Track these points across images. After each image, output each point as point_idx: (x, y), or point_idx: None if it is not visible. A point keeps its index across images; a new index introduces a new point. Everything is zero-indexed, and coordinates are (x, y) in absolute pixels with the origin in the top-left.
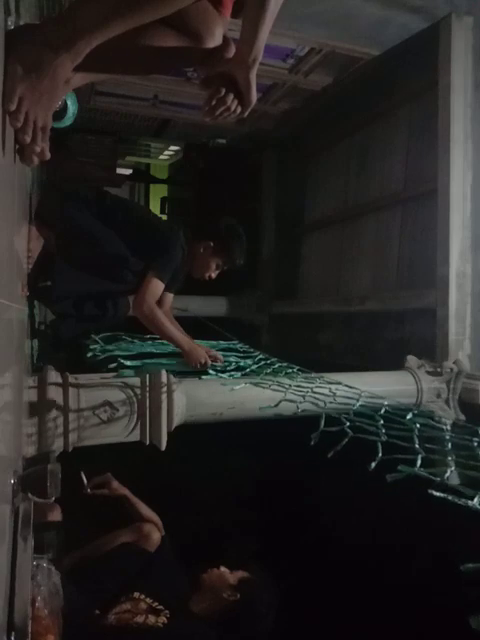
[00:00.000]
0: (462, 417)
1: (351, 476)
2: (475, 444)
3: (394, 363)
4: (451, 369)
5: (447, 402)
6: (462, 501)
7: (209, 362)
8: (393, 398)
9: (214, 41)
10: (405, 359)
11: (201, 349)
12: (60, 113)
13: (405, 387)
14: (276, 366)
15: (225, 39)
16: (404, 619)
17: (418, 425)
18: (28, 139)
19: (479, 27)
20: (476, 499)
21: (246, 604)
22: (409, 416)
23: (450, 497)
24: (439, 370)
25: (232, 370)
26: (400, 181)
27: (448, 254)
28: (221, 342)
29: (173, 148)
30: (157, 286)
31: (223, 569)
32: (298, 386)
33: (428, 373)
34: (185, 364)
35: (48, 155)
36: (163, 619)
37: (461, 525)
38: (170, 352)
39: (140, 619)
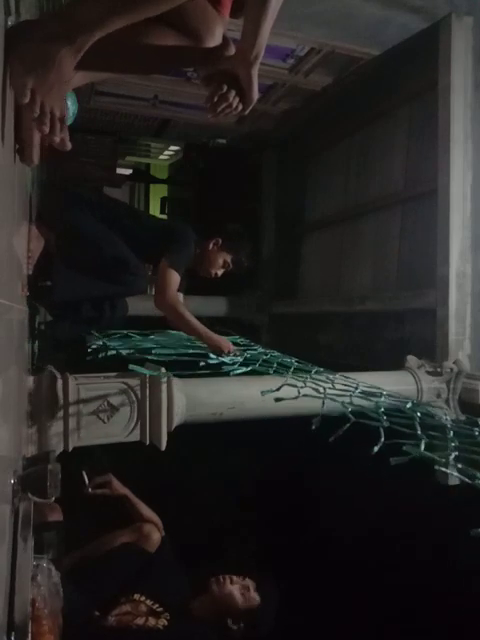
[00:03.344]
0: (462, 417)
1: (351, 476)
2: (477, 433)
3: (394, 363)
4: (451, 369)
5: (447, 402)
6: (469, 477)
7: (233, 349)
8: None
9: (214, 40)
10: (405, 359)
11: (224, 338)
12: None
13: (405, 387)
14: (275, 354)
15: (225, 39)
16: (405, 619)
17: (419, 414)
18: (47, 129)
19: (479, 27)
20: None
21: (250, 629)
22: (409, 405)
23: (456, 474)
24: (439, 370)
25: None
26: (400, 181)
27: (448, 254)
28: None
29: (173, 148)
30: (174, 277)
31: (234, 586)
32: (297, 371)
33: (428, 373)
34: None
35: (69, 145)
36: (163, 621)
37: (461, 523)
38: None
39: (140, 621)
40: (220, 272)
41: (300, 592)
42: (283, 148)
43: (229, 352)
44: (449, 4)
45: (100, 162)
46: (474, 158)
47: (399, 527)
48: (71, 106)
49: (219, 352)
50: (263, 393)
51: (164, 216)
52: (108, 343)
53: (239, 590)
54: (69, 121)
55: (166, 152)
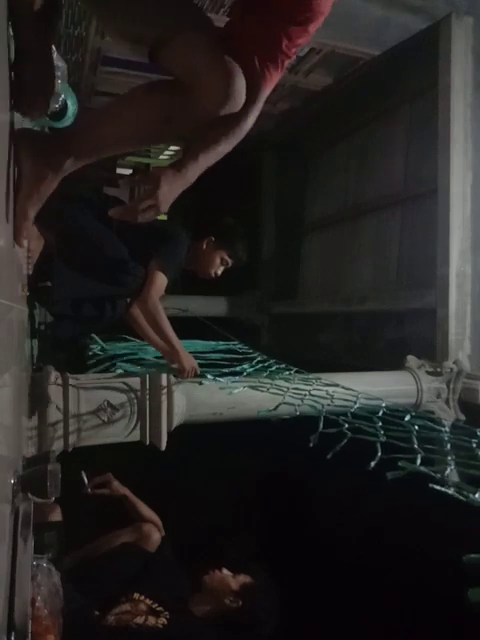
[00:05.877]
0: (462, 417)
1: (352, 476)
2: (474, 445)
3: (394, 363)
4: (451, 369)
5: (447, 402)
6: (463, 495)
7: (198, 371)
8: (393, 398)
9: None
10: (405, 359)
11: (193, 360)
12: (60, 113)
13: (405, 387)
14: (273, 368)
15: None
16: (405, 619)
17: (417, 427)
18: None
19: (479, 27)
20: (477, 494)
21: (248, 612)
22: (407, 418)
23: (451, 491)
24: (439, 370)
25: (229, 374)
26: (400, 181)
27: (448, 254)
28: (220, 343)
29: (173, 148)
30: (162, 281)
31: (225, 572)
32: (296, 389)
33: (428, 373)
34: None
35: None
36: (163, 620)
37: (462, 525)
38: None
39: (140, 620)
40: (220, 271)
41: (300, 592)
42: (283, 148)
43: (195, 372)
44: (449, 4)
45: (100, 162)
46: (474, 158)
47: (400, 527)
48: (71, 106)
49: (187, 369)
50: (259, 413)
51: (164, 216)
52: (107, 349)
53: (230, 574)
54: (69, 121)
55: (166, 152)
